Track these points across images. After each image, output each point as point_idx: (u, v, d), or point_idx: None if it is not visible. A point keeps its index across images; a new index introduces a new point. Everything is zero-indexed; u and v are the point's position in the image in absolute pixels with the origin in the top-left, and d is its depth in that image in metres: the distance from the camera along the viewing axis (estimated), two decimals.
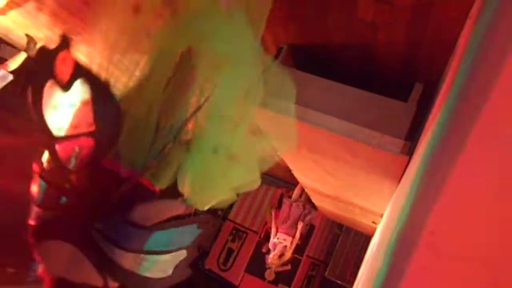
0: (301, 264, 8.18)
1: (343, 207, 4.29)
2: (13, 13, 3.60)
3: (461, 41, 1.30)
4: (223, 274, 8.84)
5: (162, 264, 1.27)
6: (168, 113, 1.26)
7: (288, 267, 8.23)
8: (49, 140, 1.19)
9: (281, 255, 6.34)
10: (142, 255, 1.22)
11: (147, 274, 1.24)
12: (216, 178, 1.37)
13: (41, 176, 1.25)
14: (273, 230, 6.63)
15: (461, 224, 0.47)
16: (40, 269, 1.51)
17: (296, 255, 7.95)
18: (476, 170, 0.50)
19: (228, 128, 1.37)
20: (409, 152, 1.64)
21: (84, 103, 1.17)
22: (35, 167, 1.29)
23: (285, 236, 6.46)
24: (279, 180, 8.12)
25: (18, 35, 5.13)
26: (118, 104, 1.20)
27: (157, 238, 1.23)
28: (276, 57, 2.10)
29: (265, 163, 1.44)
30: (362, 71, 2.11)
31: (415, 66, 1.87)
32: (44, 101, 1.16)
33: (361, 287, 1.96)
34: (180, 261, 1.28)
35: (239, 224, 9.28)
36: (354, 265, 7.28)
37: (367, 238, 6.74)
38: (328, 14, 1.76)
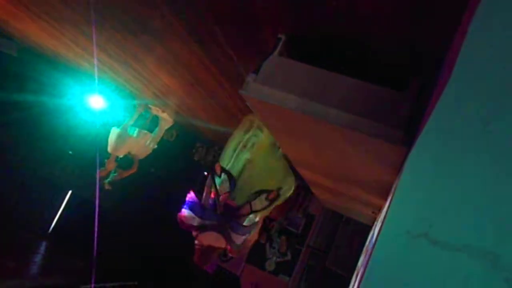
0: (301, 254, 8.24)
1: (343, 197, 4.30)
2: None
3: (460, 31, 1.29)
4: (224, 265, 8.90)
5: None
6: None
7: (289, 257, 8.30)
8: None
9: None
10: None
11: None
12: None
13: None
14: None
15: (458, 214, 0.47)
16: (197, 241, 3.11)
17: (297, 245, 8.01)
18: (473, 160, 0.50)
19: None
20: (409, 142, 1.64)
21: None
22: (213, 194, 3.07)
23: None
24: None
25: (14, 27, 5.10)
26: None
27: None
28: (274, 47, 2.09)
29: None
30: (360, 62, 2.11)
31: (414, 56, 1.86)
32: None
33: (360, 276, 1.97)
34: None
35: None
36: (354, 254, 7.32)
37: (367, 228, 6.78)
38: (327, 4, 1.75)
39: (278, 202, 3.20)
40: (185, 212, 2.99)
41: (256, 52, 2.50)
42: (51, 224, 8.36)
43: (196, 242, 3.10)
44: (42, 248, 8.00)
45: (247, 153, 3.06)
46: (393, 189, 2.15)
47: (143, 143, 6.10)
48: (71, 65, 6.00)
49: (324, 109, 1.81)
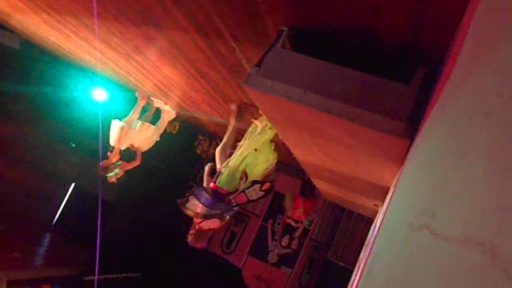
0: (304, 246, 8.27)
1: (345, 190, 4.31)
2: None
3: (464, 23, 1.29)
4: (226, 257, 8.95)
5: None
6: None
7: (291, 250, 8.33)
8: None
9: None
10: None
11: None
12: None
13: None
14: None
15: (459, 206, 0.47)
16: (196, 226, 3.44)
17: (297, 237, 8.02)
18: (474, 152, 0.50)
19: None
20: (411, 135, 1.64)
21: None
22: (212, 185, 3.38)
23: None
24: (280, 163, 8.14)
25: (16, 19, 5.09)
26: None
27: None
28: (276, 39, 2.08)
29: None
30: (363, 54, 2.10)
31: (417, 49, 1.85)
32: None
33: (362, 269, 1.98)
34: None
35: (241, 208, 9.36)
36: (356, 247, 7.35)
37: (369, 221, 6.79)
38: None
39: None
40: (197, 205, 3.28)
41: (259, 45, 2.49)
42: (54, 216, 8.42)
43: (196, 227, 3.44)
44: (46, 240, 8.06)
45: (250, 148, 3.54)
46: (395, 181, 2.16)
47: (145, 136, 6.10)
48: (73, 57, 6.00)
49: (326, 101, 1.81)
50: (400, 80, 1.77)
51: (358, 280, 1.91)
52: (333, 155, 2.80)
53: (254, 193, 3.35)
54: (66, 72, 7.28)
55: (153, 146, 6.37)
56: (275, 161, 3.75)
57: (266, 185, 3.35)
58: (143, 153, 6.28)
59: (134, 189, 8.05)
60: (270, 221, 8.86)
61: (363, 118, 1.73)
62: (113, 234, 7.81)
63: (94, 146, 6.27)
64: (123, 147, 5.89)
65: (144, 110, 6.19)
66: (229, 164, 3.48)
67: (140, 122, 5.99)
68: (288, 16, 2.06)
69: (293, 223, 7.16)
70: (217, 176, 3.42)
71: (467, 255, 0.37)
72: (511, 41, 0.52)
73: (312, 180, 4.86)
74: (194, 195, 3.30)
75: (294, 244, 7.81)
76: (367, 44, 2.01)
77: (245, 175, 3.44)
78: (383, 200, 3.28)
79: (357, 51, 2.10)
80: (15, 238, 7.09)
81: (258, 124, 3.69)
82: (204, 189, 3.35)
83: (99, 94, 6.82)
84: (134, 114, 5.96)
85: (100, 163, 5.60)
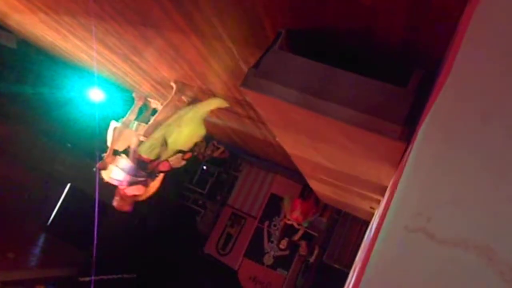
0: (300, 248, 8.26)
1: (341, 192, 4.31)
2: None
3: (460, 27, 1.29)
4: (222, 259, 8.93)
5: None
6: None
7: (287, 252, 8.32)
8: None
9: None
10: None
11: None
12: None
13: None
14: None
15: (455, 209, 0.47)
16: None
17: (296, 240, 8.00)
18: (471, 156, 0.50)
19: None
20: (408, 138, 1.65)
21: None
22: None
23: None
24: (277, 165, 8.14)
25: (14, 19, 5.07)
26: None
27: None
28: (274, 41, 2.09)
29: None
30: (361, 57, 2.10)
31: (415, 52, 1.86)
32: None
33: (358, 271, 1.98)
34: None
35: (237, 210, 9.34)
36: (352, 249, 7.35)
37: (365, 223, 6.80)
38: None
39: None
40: (120, 174, 3.69)
41: (256, 46, 2.49)
42: (50, 217, 8.37)
43: (121, 192, 3.84)
44: (41, 241, 8.01)
45: (176, 123, 3.95)
46: (391, 184, 2.16)
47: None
48: (70, 57, 5.97)
49: (323, 103, 1.81)
50: (397, 83, 1.78)
51: (354, 283, 1.91)
52: (329, 157, 2.81)
53: (177, 161, 3.84)
54: (63, 72, 7.26)
55: None
56: (202, 135, 4.20)
57: (188, 155, 3.87)
58: None
59: None
60: (267, 222, 8.85)
61: (360, 120, 1.73)
62: (108, 235, 7.77)
63: (91, 147, 6.24)
64: (120, 148, 5.87)
65: (141, 111, 6.17)
66: (153, 135, 3.80)
67: (137, 123, 5.97)
68: (285, 17, 2.06)
69: (294, 225, 7.12)
70: (139, 145, 3.77)
71: (463, 258, 0.37)
72: (507, 45, 0.52)
73: (308, 182, 4.86)
74: (118, 166, 3.66)
75: (304, 250, 7.65)
76: (365, 47, 2.01)
77: (165, 144, 3.78)
78: (379, 203, 3.28)
79: (355, 53, 2.11)
80: (9, 239, 7.05)
81: (192, 109, 4.07)
82: (128, 158, 3.72)
83: (96, 95, 6.79)
84: (131, 115, 5.94)
85: (97, 165, 5.58)
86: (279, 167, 8.24)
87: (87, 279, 6.97)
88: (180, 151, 3.76)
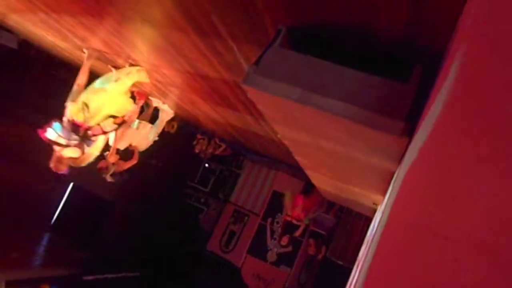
0: (302, 245, 8.28)
1: (344, 189, 4.31)
2: None
3: (462, 20, 1.28)
4: (225, 256, 8.96)
5: None
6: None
7: (289, 249, 8.33)
8: None
9: None
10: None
11: None
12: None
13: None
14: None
15: (459, 206, 0.47)
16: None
17: (297, 237, 8.02)
18: (475, 151, 0.49)
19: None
20: (409, 133, 1.64)
21: None
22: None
23: None
24: (279, 162, 8.15)
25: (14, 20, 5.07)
26: None
27: None
28: (274, 38, 2.08)
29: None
30: (362, 53, 2.10)
31: (416, 47, 1.85)
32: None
33: (361, 268, 1.98)
34: None
35: (240, 207, 9.36)
36: (355, 246, 7.36)
37: (368, 219, 6.80)
38: None
39: (126, 126, 4.60)
40: (53, 134, 3.98)
41: (257, 43, 2.48)
42: (53, 216, 8.40)
43: (57, 154, 4.10)
44: (45, 240, 8.04)
45: (105, 88, 4.27)
46: (393, 181, 2.16)
47: (143, 135, 6.09)
48: (71, 56, 5.98)
49: (325, 100, 1.81)
50: (398, 78, 1.77)
51: (357, 280, 1.91)
52: (331, 154, 2.80)
53: (108, 125, 4.17)
54: (64, 71, 7.26)
55: (152, 145, 6.37)
56: (130, 108, 4.61)
57: (119, 119, 4.26)
58: (142, 153, 6.27)
59: (132, 189, 8.04)
60: (269, 219, 8.87)
61: (362, 117, 1.72)
62: (112, 233, 7.80)
63: None
64: (122, 147, 5.89)
65: (142, 109, 6.18)
66: (80, 99, 4.10)
67: (138, 121, 5.98)
68: (286, 14, 2.05)
69: (294, 222, 7.09)
70: (68, 109, 4.08)
71: (466, 256, 0.36)
72: (509, 38, 0.52)
73: (310, 178, 4.86)
74: (52, 128, 3.95)
75: (312, 250, 7.57)
76: (365, 43, 2.01)
77: (87, 108, 4.09)
78: (381, 199, 3.28)
79: (356, 49, 2.10)
80: (14, 238, 7.07)
81: (115, 73, 4.40)
82: (62, 121, 4.03)
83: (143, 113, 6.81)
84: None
85: (99, 164, 5.60)
86: (282, 164, 8.25)
87: (91, 277, 7.00)
88: (112, 116, 4.17)
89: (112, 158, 5.78)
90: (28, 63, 7.52)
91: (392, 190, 1.96)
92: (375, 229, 2.38)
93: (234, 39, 2.62)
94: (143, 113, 6.21)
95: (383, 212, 2.04)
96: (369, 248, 2.02)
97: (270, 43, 2.06)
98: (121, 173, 5.92)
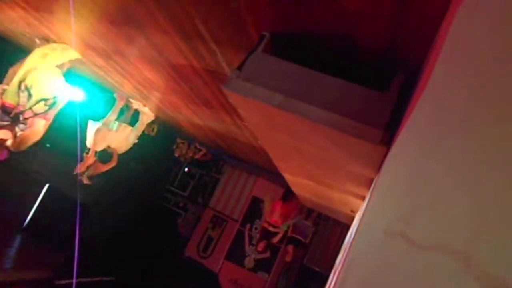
0: (280, 251, 8.27)
1: (322, 195, 4.33)
2: None
3: (441, 32, 1.31)
4: (203, 262, 8.88)
5: None
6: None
7: (267, 255, 8.32)
8: None
9: None
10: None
11: None
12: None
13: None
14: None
15: (433, 213, 0.47)
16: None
17: (275, 243, 8.00)
18: (450, 159, 0.50)
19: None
20: (388, 142, 1.66)
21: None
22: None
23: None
24: (260, 168, 8.15)
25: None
26: None
27: None
28: (257, 44, 2.08)
29: None
30: (343, 61, 2.12)
31: (396, 56, 1.88)
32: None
33: (338, 274, 1.99)
34: None
35: (219, 212, 9.30)
36: (332, 252, 7.40)
37: (345, 227, 6.85)
38: (311, 3, 1.75)
39: (56, 108, 4.57)
40: None
41: (240, 48, 2.48)
42: (26, 218, 8.17)
43: None
44: (17, 242, 7.82)
45: (36, 67, 4.27)
46: (371, 188, 2.18)
47: (123, 137, 6.01)
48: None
49: (306, 107, 1.82)
50: (378, 87, 1.79)
51: (334, 286, 1.91)
52: (311, 160, 2.82)
53: (40, 108, 4.23)
54: None
55: (131, 148, 6.29)
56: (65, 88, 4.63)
57: (50, 100, 4.29)
58: (121, 155, 6.18)
59: (111, 191, 7.90)
60: (248, 225, 8.84)
61: (342, 124, 1.74)
62: (88, 237, 7.63)
63: (70, 147, 6.12)
64: (99, 149, 5.79)
65: (122, 111, 6.10)
66: (13, 81, 4.11)
67: (117, 123, 5.90)
68: (269, 21, 2.06)
69: (271, 229, 7.07)
70: (3, 93, 4.08)
71: (441, 263, 0.37)
72: (486, 49, 0.52)
73: (290, 184, 4.87)
74: None
75: (289, 256, 7.38)
76: (347, 52, 2.03)
77: (25, 90, 4.14)
78: (359, 207, 3.31)
79: (337, 57, 2.12)
80: None
81: (41, 48, 4.38)
82: None
83: (76, 94, 6.68)
84: (112, 115, 5.87)
85: (78, 165, 5.50)
86: (262, 170, 8.25)
87: (64, 282, 6.83)
88: (43, 99, 4.22)
89: (90, 160, 5.68)
90: None
91: (370, 197, 1.98)
92: (352, 236, 2.40)
93: (217, 43, 2.62)
94: (123, 115, 6.14)
95: (360, 220, 2.06)
96: (346, 256, 2.03)
97: (254, 49, 2.07)
98: (98, 176, 5.83)
